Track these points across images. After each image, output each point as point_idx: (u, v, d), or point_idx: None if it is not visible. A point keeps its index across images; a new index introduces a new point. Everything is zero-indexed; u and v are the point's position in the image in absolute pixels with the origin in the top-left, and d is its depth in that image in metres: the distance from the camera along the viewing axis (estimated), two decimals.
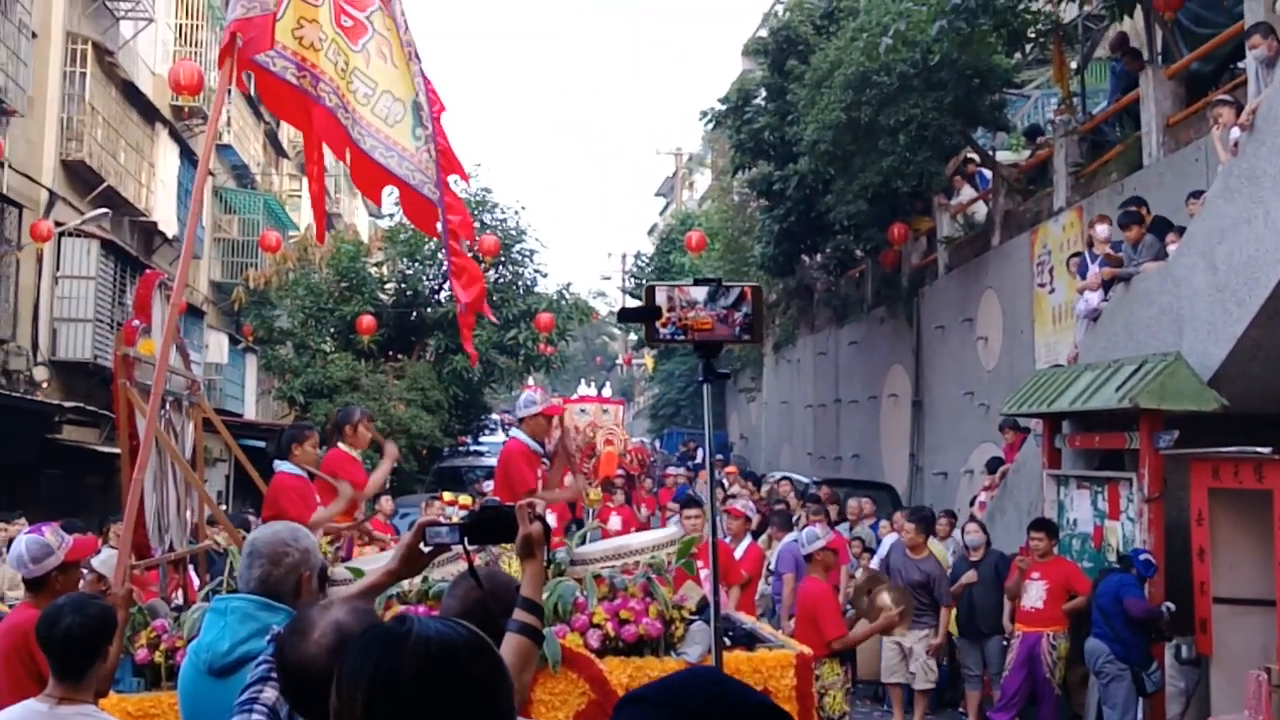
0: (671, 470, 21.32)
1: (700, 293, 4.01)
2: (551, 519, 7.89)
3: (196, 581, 6.92)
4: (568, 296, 25.86)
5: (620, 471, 17.80)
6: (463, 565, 3.74)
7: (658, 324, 3.97)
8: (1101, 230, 11.18)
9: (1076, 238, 13.15)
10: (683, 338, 4.00)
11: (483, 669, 1.72)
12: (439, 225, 6.59)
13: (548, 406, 7.48)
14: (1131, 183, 12.29)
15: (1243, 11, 10.23)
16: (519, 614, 2.75)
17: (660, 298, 4.01)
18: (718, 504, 12.60)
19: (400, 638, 1.70)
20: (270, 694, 2.63)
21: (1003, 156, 17.56)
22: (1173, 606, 8.51)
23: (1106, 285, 10.72)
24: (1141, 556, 8.56)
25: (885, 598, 8.22)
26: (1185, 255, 9.38)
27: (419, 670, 1.67)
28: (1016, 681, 9.27)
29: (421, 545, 2.89)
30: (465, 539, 2.80)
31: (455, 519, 2.98)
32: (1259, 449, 7.69)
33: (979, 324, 16.26)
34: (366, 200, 36.54)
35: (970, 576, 10.12)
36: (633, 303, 41.90)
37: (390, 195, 7.51)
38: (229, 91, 6.11)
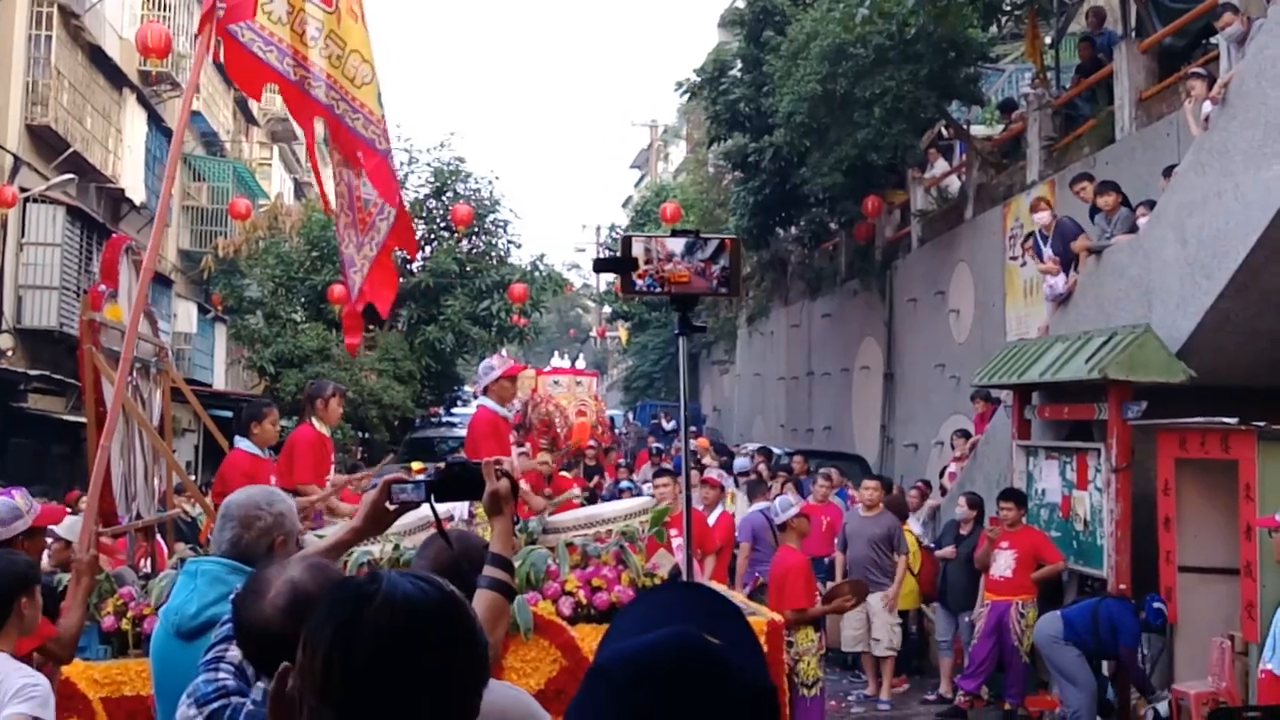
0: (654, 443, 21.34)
1: (678, 244, 3.94)
2: (525, 486, 7.90)
3: (166, 549, 6.88)
4: (541, 268, 25.75)
5: (593, 442, 17.80)
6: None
7: (634, 276, 3.90)
8: (1041, 216, 11.29)
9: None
10: (659, 290, 3.94)
11: (453, 630, 1.65)
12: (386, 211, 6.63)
13: (507, 368, 7.46)
14: (1104, 156, 12.35)
15: None
16: (489, 570, 2.73)
17: (637, 249, 3.93)
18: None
19: (366, 595, 1.63)
20: (236, 653, 2.61)
21: (977, 130, 17.60)
22: (1160, 704, 8.32)
23: (1065, 266, 10.81)
24: (1155, 605, 8.38)
25: (844, 587, 8.37)
26: (1156, 228, 9.43)
27: (382, 630, 1.59)
28: (985, 649, 9.38)
29: (387, 503, 2.86)
30: (431, 496, 2.78)
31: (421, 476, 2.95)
32: (1225, 420, 7.76)
33: (951, 297, 16.32)
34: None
35: (949, 552, 10.24)
36: (607, 275, 41.80)
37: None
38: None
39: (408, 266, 24.54)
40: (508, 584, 2.75)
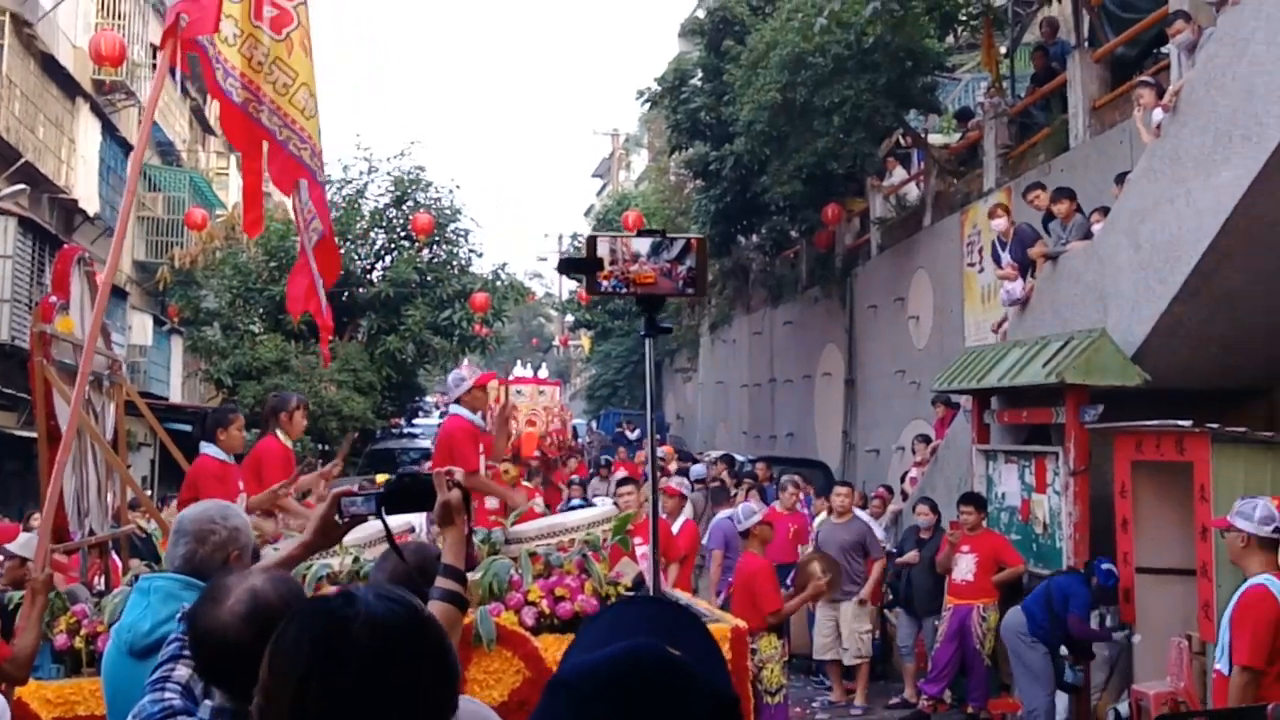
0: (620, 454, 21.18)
1: (644, 245, 3.88)
2: (492, 501, 7.86)
3: (120, 565, 6.79)
4: (503, 277, 25.70)
5: (537, 453, 17.67)
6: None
7: (599, 276, 3.84)
8: (998, 223, 11.41)
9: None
10: (625, 291, 3.89)
11: (427, 649, 1.64)
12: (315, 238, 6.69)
13: (478, 377, 7.46)
14: (1059, 164, 12.48)
15: None
16: (441, 581, 2.71)
17: (603, 249, 3.87)
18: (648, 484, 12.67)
19: (346, 618, 1.61)
20: (183, 672, 2.57)
21: (934, 138, 17.74)
22: (1138, 639, 8.41)
23: (1023, 271, 10.91)
24: (1104, 566, 8.51)
25: (815, 567, 8.33)
26: (1110, 234, 9.54)
27: (365, 653, 1.58)
28: (947, 653, 9.43)
29: (337, 517, 2.83)
30: (382, 509, 2.76)
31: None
32: (1180, 422, 7.85)
33: (910, 303, 16.43)
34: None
35: (912, 556, 10.29)
36: (570, 284, 41.67)
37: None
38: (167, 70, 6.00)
39: (368, 277, 24.46)
40: (460, 595, 2.73)
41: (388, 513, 2.76)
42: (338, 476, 10.06)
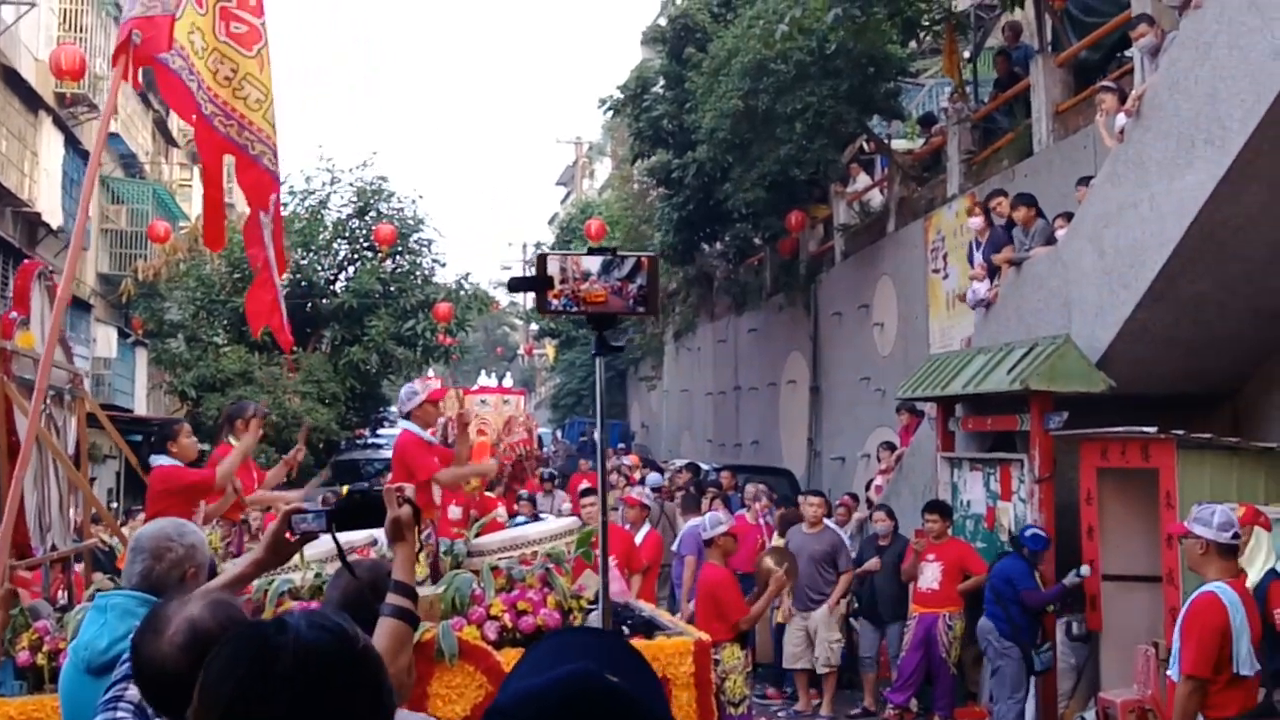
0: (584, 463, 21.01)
1: (594, 263, 3.88)
2: (455, 512, 7.79)
3: (83, 580, 6.72)
4: (467, 286, 25.63)
5: (491, 460, 17.44)
6: (357, 557, 3.66)
7: (549, 295, 3.83)
8: (975, 222, 11.46)
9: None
10: (575, 310, 3.88)
11: (358, 676, 1.63)
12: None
13: (430, 392, 7.38)
14: (1022, 169, 12.54)
15: (1129, 1, 10.49)
16: (392, 597, 2.72)
17: (553, 267, 3.87)
18: (616, 492, 12.63)
19: (274, 647, 1.59)
20: (136, 691, 2.56)
21: (897, 144, 17.79)
22: (1086, 571, 8.50)
23: (991, 274, 10.95)
24: (1029, 532, 8.66)
25: (768, 561, 8.29)
26: (1074, 240, 9.58)
27: (292, 681, 1.57)
28: (913, 662, 9.42)
29: (288, 534, 2.84)
30: (333, 525, 2.75)
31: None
32: (1145, 429, 7.89)
33: (875, 310, 16.47)
34: None
35: (874, 564, 10.28)
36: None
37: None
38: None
39: (330, 288, 24.34)
40: (411, 611, 2.74)
41: (339, 529, 2.77)
42: (300, 487, 9.98)
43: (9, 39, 18.72)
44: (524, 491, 15.16)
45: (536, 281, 3.86)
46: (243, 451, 6.71)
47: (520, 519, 11.24)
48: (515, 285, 4.16)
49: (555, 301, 3.86)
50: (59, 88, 20.14)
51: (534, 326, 45.22)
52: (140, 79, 6.15)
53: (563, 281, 3.85)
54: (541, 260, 3.90)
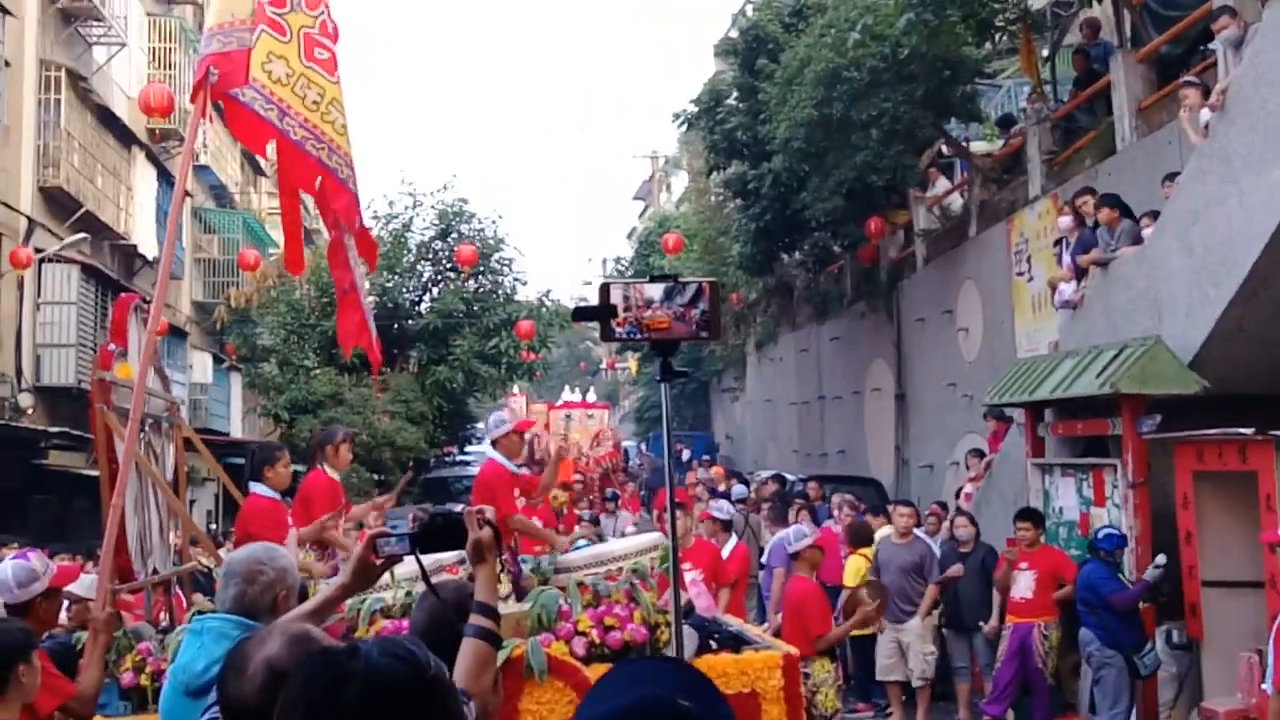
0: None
1: (656, 290, 3.92)
2: (538, 524, 7.87)
3: (184, 602, 6.90)
4: (548, 303, 25.84)
5: (578, 477, 17.64)
6: (446, 576, 3.72)
7: (613, 323, 3.88)
8: (1064, 221, 11.27)
9: (1053, 225, 13.18)
10: (639, 336, 3.93)
11: (428, 705, 1.66)
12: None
13: (518, 422, 7.45)
14: (1105, 168, 12.32)
15: None
16: (474, 618, 2.76)
17: (616, 296, 3.91)
18: (701, 504, 12.61)
19: (341, 678, 1.64)
20: None
21: (977, 147, 17.59)
22: (1163, 559, 8.31)
23: (1078, 274, 10.77)
24: (1103, 533, 8.47)
25: (862, 593, 8.25)
26: (1161, 238, 9.39)
27: (356, 712, 1.61)
28: (1009, 673, 9.25)
29: (373, 557, 2.89)
30: (416, 549, 2.80)
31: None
32: (1242, 430, 7.69)
33: (959, 315, 16.28)
34: None
35: (956, 570, 10.14)
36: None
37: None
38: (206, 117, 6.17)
39: (416, 309, 24.74)
40: (493, 631, 2.77)
41: (422, 552, 2.81)
42: (393, 507, 10.13)
43: (102, 78, 19.38)
44: (586, 512, 15.19)
45: (600, 311, 3.90)
46: (322, 527, 6.83)
47: (581, 543, 11.27)
48: (580, 315, 4.21)
49: (620, 329, 3.90)
50: (150, 124, 20.76)
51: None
52: (213, 114, 6.34)
53: (626, 309, 3.90)
54: (605, 289, 3.95)
